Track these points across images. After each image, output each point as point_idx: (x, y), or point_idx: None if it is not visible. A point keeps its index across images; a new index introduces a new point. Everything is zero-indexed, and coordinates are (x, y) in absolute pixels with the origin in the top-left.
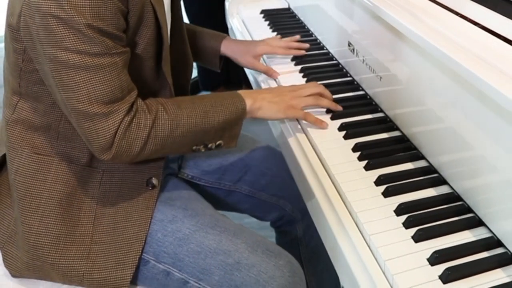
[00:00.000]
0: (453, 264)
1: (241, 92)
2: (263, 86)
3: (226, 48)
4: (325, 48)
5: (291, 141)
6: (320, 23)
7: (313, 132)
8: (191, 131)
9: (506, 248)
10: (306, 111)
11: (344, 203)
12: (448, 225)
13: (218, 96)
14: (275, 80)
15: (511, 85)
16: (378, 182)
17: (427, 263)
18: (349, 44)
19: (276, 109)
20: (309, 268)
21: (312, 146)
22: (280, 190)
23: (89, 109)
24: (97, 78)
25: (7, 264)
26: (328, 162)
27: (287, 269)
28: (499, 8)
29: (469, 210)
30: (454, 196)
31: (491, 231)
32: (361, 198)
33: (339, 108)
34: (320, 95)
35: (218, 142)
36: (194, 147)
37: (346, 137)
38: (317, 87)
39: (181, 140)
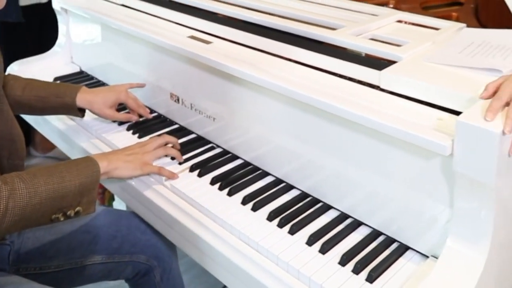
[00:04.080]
0: (358, 258)
1: (95, 155)
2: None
3: (81, 101)
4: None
5: (149, 194)
6: (126, 80)
7: (170, 180)
8: (50, 198)
9: (386, 235)
10: (156, 164)
11: (248, 243)
12: (340, 233)
13: (72, 162)
14: (103, 142)
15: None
16: (244, 201)
17: (340, 266)
18: (172, 94)
19: (132, 167)
20: None
21: (174, 193)
22: (134, 247)
23: None
24: None
25: None
26: (198, 200)
27: None
28: (312, 47)
29: (346, 217)
30: (327, 206)
31: (369, 226)
32: (248, 224)
33: (181, 159)
34: (167, 143)
35: (77, 209)
36: (53, 216)
37: (200, 175)
38: (163, 138)
39: (40, 208)
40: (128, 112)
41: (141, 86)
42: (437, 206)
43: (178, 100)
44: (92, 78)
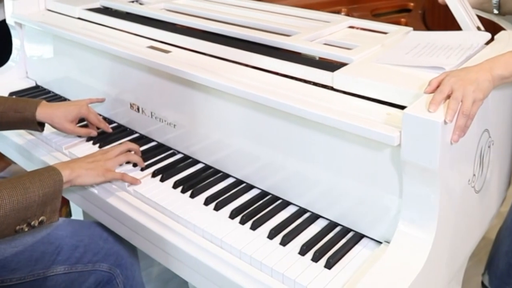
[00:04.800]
0: (316, 248)
1: (57, 164)
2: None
3: (41, 115)
4: (99, 114)
5: (113, 201)
6: (84, 92)
7: (132, 185)
8: (14, 209)
9: (342, 226)
10: (119, 171)
11: (211, 241)
12: (299, 226)
13: (35, 172)
14: (64, 154)
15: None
16: (206, 202)
17: (300, 256)
18: (132, 104)
19: (95, 174)
20: None
21: (138, 198)
22: (96, 256)
23: None
24: None
25: None
26: (161, 203)
27: None
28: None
29: (304, 211)
30: (286, 202)
31: (327, 219)
32: (211, 223)
33: (143, 164)
34: (129, 150)
35: (40, 219)
36: (17, 227)
37: (162, 179)
38: (125, 145)
39: (5, 221)
40: (87, 127)
41: (101, 101)
42: (389, 196)
43: (138, 109)
44: (49, 92)
